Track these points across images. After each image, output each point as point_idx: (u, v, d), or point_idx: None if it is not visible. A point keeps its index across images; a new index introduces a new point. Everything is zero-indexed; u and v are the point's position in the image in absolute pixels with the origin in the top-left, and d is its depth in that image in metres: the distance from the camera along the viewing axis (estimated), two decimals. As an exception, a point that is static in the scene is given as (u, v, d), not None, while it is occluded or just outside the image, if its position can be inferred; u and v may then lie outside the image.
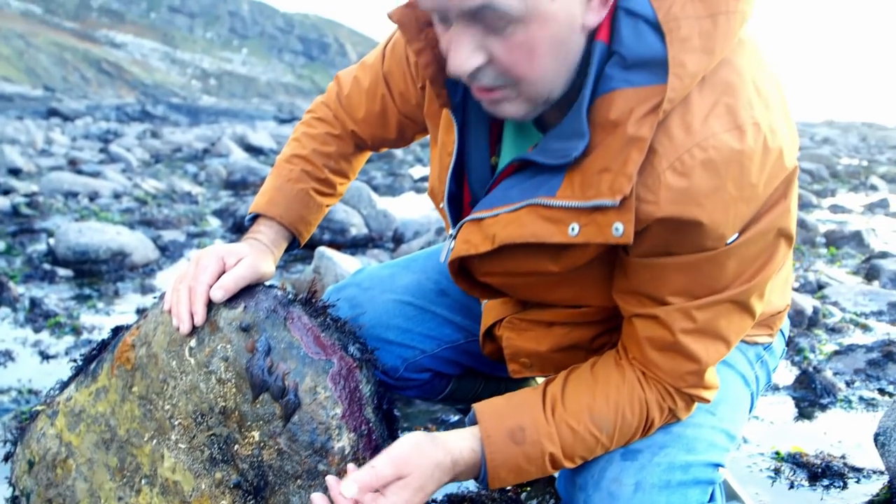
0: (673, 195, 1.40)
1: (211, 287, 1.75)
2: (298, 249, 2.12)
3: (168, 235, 6.30)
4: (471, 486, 2.48)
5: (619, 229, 1.42)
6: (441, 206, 1.80)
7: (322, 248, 4.38)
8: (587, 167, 1.45)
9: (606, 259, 1.58)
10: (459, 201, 1.80)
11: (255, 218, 2.02)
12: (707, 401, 1.68)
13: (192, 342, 1.76)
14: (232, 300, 1.76)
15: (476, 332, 2.10)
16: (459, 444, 1.64)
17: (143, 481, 1.87)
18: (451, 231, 1.76)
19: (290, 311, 1.75)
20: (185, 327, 1.74)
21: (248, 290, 1.78)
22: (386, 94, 2.01)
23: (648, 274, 1.51)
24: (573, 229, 1.47)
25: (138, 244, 5.41)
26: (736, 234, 1.44)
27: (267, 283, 1.84)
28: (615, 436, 1.65)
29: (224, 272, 1.78)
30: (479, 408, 1.70)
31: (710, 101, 1.39)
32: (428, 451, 1.60)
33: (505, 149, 1.74)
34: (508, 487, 2.46)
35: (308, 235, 2.08)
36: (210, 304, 1.76)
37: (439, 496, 2.39)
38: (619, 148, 1.40)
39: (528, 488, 2.43)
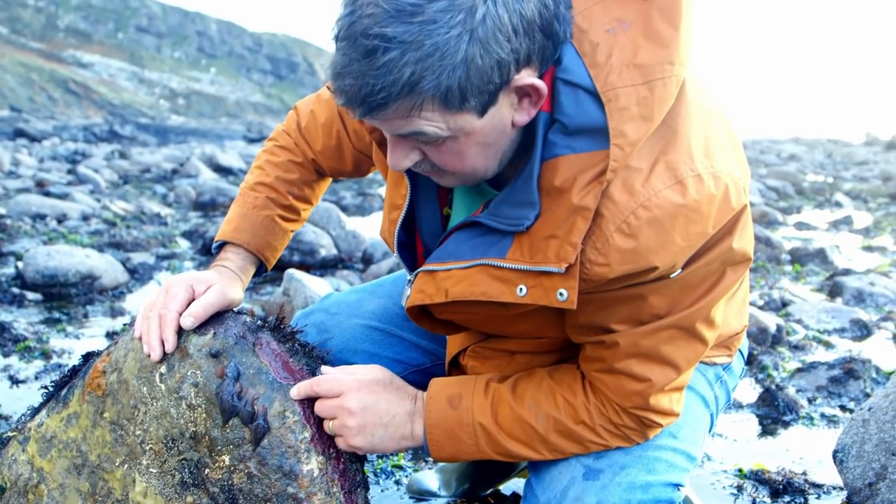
0: (623, 256, 1.47)
1: (181, 314, 1.79)
2: (266, 273, 2.16)
3: (137, 258, 6.30)
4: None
5: (564, 294, 1.50)
6: (394, 254, 1.87)
7: (291, 271, 4.41)
8: (535, 232, 1.52)
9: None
10: (412, 248, 1.87)
11: (221, 245, 2.06)
12: (661, 426, 1.74)
13: (163, 368, 1.79)
14: (202, 327, 1.80)
15: (442, 356, 2.14)
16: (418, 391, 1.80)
17: (114, 506, 1.89)
18: (408, 277, 1.82)
19: (258, 336, 1.78)
20: (156, 354, 1.78)
21: (217, 317, 1.82)
22: (341, 130, 2.09)
23: (593, 306, 1.58)
24: (521, 290, 1.54)
25: (108, 267, 5.41)
26: (679, 270, 1.52)
27: (236, 310, 1.88)
28: (550, 427, 1.71)
29: (193, 299, 1.82)
30: (434, 378, 1.82)
31: (650, 160, 1.46)
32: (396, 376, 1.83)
33: (456, 200, 1.82)
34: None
35: (274, 261, 2.13)
36: (180, 331, 1.79)
37: (408, 516, 2.42)
38: (565, 216, 1.48)
39: (495, 509, 2.47)
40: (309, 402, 1.75)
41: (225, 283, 1.88)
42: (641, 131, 1.43)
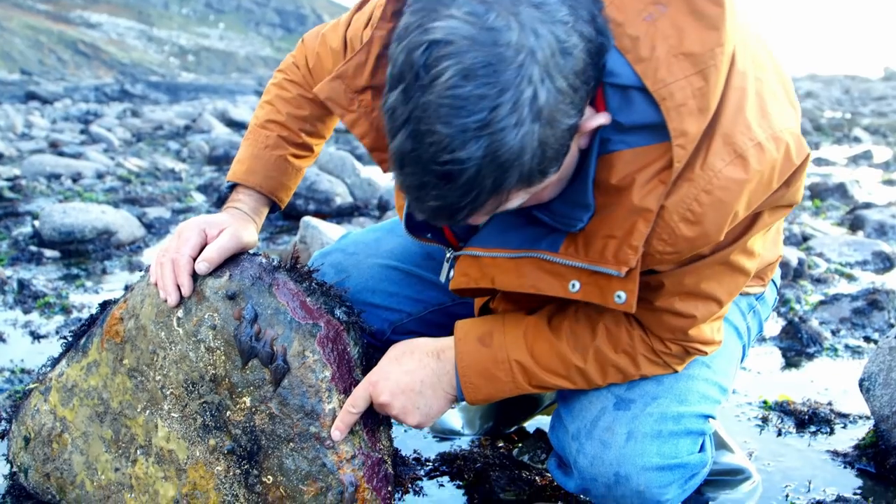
0: (690, 242, 1.43)
1: (194, 259, 1.76)
2: (283, 221, 2.13)
3: (153, 212, 6.29)
4: (463, 444, 2.52)
5: (622, 297, 1.48)
6: (426, 237, 1.81)
7: (307, 218, 4.38)
8: (591, 230, 1.48)
9: None
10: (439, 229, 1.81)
11: (233, 186, 2.02)
12: (704, 353, 1.70)
13: (180, 313, 1.77)
14: (217, 270, 1.77)
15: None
16: (442, 341, 1.77)
17: (138, 452, 1.89)
18: (447, 255, 1.80)
19: (275, 277, 1.76)
20: (173, 299, 1.76)
21: (232, 260, 1.80)
22: None
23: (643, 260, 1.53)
24: (574, 286, 1.51)
25: (123, 222, 5.40)
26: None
27: (251, 252, 1.85)
28: (589, 358, 1.68)
29: (206, 243, 1.79)
30: (458, 321, 1.78)
31: (705, 140, 1.38)
32: (409, 340, 1.78)
33: None
34: (501, 444, 2.49)
35: (288, 199, 2.09)
36: (195, 274, 1.77)
37: (432, 455, 2.42)
38: (624, 216, 1.42)
39: (520, 444, 2.46)
40: (328, 339, 1.72)
41: (238, 225, 1.85)
42: (701, 124, 1.36)
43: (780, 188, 1.46)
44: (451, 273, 1.74)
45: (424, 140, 1.19)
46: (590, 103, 1.36)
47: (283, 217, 5.93)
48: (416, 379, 1.72)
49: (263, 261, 1.80)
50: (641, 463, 1.68)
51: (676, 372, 1.74)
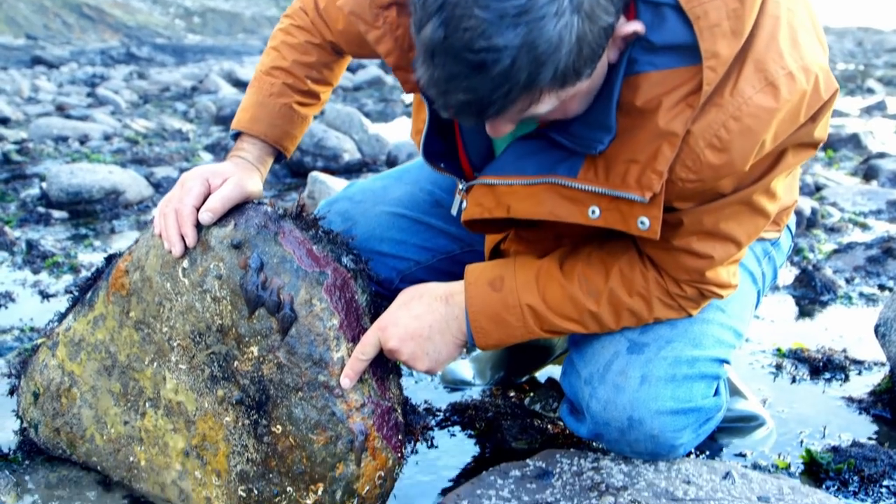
0: (715, 171, 1.40)
1: (197, 209, 1.74)
2: (291, 178, 2.11)
3: (161, 172, 6.26)
4: (475, 394, 2.51)
5: (646, 223, 1.44)
6: (440, 166, 1.78)
7: (315, 174, 4.36)
8: (612, 154, 1.44)
9: None
10: (454, 157, 1.77)
11: (237, 135, 1.99)
12: (720, 296, 1.68)
13: (185, 263, 1.75)
14: (221, 219, 1.75)
15: (473, 242, 2.09)
16: (451, 285, 1.74)
17: (147, 404, 1.88)
18: (459, 187, 1.76)
19: (280, 225, 1.74)
20: (177, 250, 1.74)
21: (237, 209, 1.77)
22: None
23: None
24: (593, 212, 1.47)
25: (131, 182, 5.38)
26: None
27: (256, 201, 1.82)
28: (603, 301, 1.65)
29: (210, 193, 1.77)
30: (468, 265, 1.75)
31: (736, 65, 1.35)
32: (418, 285, 1.76)
33: None
34: (512, 394, 2.48)
35: (293, 148, 2.05)
36: (200, 225, 1.75)
37: (443, 405, 2.41)
38: (649, 139, 1.39)
39: (532, 394, 2.45)
40: (335, 287, 1.71)
41: (242, 174, 1.82)
42: (734, 47, 1.33)
43: (806, 123, 1.42)
44: (464, 204, 1.70)
45: (459, 26, 1.16)
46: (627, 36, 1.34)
47: (292, 174, 5.90)
48: (425, 324, 1.70)
49: (269, 209, 1.77)
50: (655, 407, 1.66)
51: (691, 316, 1.72)
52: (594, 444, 2.12)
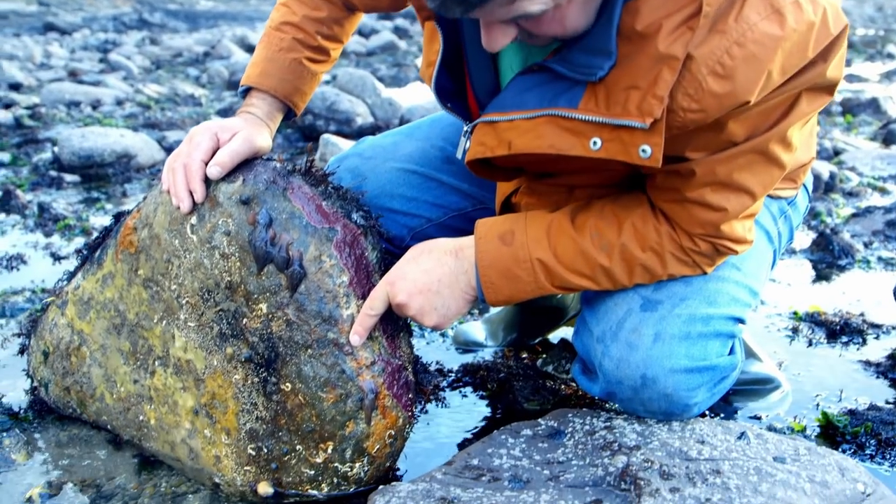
0: (718, 101, 1.37)
1: (206, 164, 1.72)
2: (303, 142, 2.09)
3: (173, 136, 6.24)
4: (486, 355, 2.50)
5: (647, 151, 1.40)
6: (447, 106, 1.76)
7: (327, 136, 4.34)
8: (612, 81, 1.41)
9: None
10: (463, 98, 1.75)
11: (247, 90, 1.97)
12: (735, 252, 1.65)
13: (193, 219, 1.74)
14: (230, 174, 1.73)
15: (485, 199, 2.07)
16: (462, 240, 1.73)
17: (156, 363, 1.88)
18: (465, 128, 1.73)
19: (289, 181, 1.72)
20: (185, 205, 1.72)
21: (245, 164, 1.75)
22: None
23: (668, 140, 1.46)
24: (595, 143, 1.44)
25: (143, 146, 5.36)
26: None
27: (264, 157, 1.80)
28: (615, 257, 1.63)
29: (218, 148, 1.74)
30: (479, 220, 1.73)
31: None
32: (427, 241, 1.75)
33: (505, 53, 1.70)
34: (525, 355, 2.47)
35: (304, 106, 2.03)
36: (208, 180, 1.73)
37: (455, 366, 2.40)
38: (649, 65, 1.36)
39: (545, 355, 2.44)
40: (345, 244, 1.69)
41: (251, 129, 1.79)
42: None
43: (816, 59, 1.39)
44: (469, 145, 1.68)
45: None
46: None
47: (304, 138, 5.88)
48: (434, 278, 1.68)
49: (278, 165, 1.75)
50: (669, 365, 1.64)
51: (706, 273, 1.69)
52: (607, 404, 2.12)
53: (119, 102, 8.47)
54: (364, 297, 1.69)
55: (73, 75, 11.23)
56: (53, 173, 5.06)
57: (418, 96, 6.92)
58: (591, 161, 1.52)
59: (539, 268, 1.64)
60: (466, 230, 1.78)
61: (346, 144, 4.25)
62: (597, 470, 1.60)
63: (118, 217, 1.99)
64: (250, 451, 1.75)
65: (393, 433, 1.72)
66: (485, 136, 1.60)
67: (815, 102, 1.47)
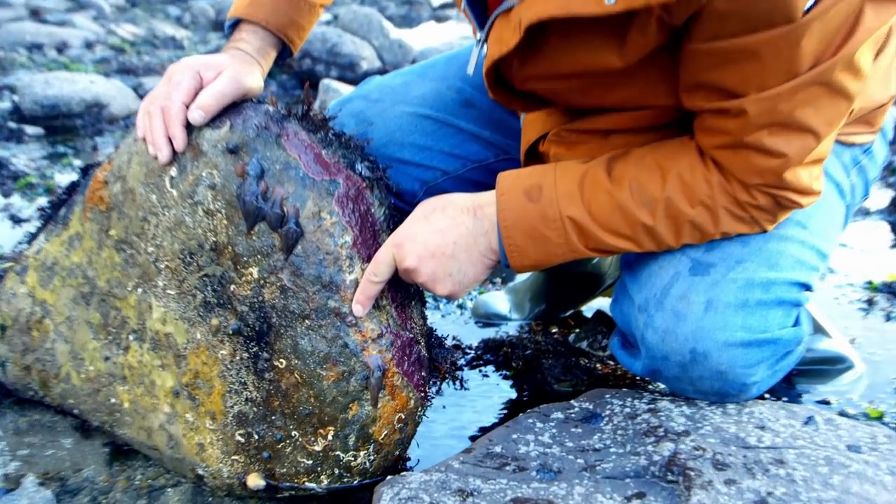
0: None
1: (187, 107, 1.70)
2: (300, 90, 2.07)
3: (150, 83, 6.22)
4: (511, 330, 2.50)
5: None
6: (462, 7, 1.73)
7: (328, 81, 4.34)
8: None
9: (670, 49, 1.51)
10: (483, 4, 1.72)
11: (236, 24, 1.95)
12: (800, 205, 1.61)
13: (173, 171, 1.73)
14: (215, 119, 1.71)
15: (509, 148, 2.06)
16: (481, 195, 1.71)
17: (130, 337, 1.88)
18: (478, 35, 1.69)
19: (284, 127, 1.70)
20: (164, 155, 1.71)
21: (233, 108, 1.73)
22: None
23: (715, 61, 1.43)
24: None
25: (116, 94, 5.36)
26: (812, 1, 1.36)
27: (255, 99, 1.79)
28: (659, 213, 1.60)
29: (202, 88, 1.73)
30: (501, 173, 1.71)
31: None
32: (441, 196, 1.72)
33: None
34: (554, 330, 2.46)
35: (301, 43, 2.01)
36: (190, 126, 1.72)
37: (474, 341, 2.40)
38: None
39: (578, 329, 2.43)
40: (348, 199, 1.68)
41: (239, 67, 1.77)
42: None
43: None
44: (485, 51, 1.64)
45: None
46: None
47: (300, 85, 5.85)
48: (449, 240, 1.66)
49: (270, 108, 1.74)
50: (723, 337, 1.62)
51: (765, 231, 1.66)
52: (650, 384, 2.11)
53: (89, 45, 8.47)
54: (369, 259, 1.68)
55: (36, 14, 11.22)
56: (13, 125, 5.06)
57: (431, 38, 6.90)
58: (621, 78, 1.51)
59: (571, 227, 1.62)
60: (488, 185, 1.76)
61: (349, 90, 4.24)
62: (639, 459, 1.60)
63: (86, 170, 1.98)
64: (239, 437, 1.75)
65: (403, 417, 1.72)
66: (501, 31, 1.56)
67: (882, 13, 1.43)
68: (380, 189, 1.76)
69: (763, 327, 1.64)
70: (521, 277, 2.68)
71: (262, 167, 1.66)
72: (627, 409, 1.78)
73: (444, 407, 2.11)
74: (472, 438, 1.99)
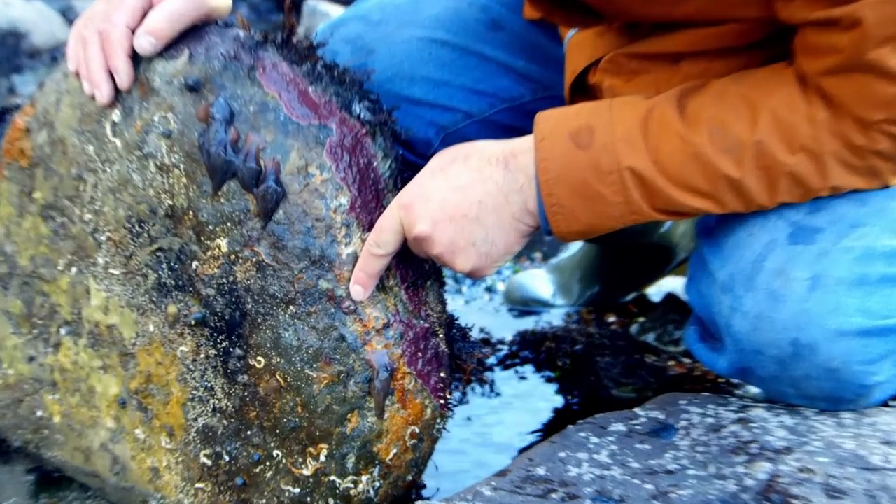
0: None
1: (133, 31, 1.70)
2: (279, 13, 2.07)
3: (83, 4, 6.24)
4: (556, 319, 2.50)
5: None
6: None
7: (314, 3, 4.34)
8: None
9: None
10: None
11: None
12: None
13: (116, 115, 1.73)
14: (170, 48, 1.70)
15: (550, 82, 2.05)
16: (514, 142, 1.70)
17: (62, 331, 1.88)
18: None
19: (259, 57, 1.69)
20: (103, 94, 1.71)
21: (193, 33, 1.72)
22: None
23: None
24: None
25: (38, 19, 5.38)
26: None
27: (220, 22, 1.77)
28: (747, 163, 1.57)
29: (151, 7, 1.72)
30: (540, 113, 1.70)
31: None
32: (462, 144, 1.73)
33: None
34: (612, 319, 2.46)
35: None
36: (137, 57, 1.71)
37: (508, 334, 2.40)
38: None
39: (642, 319, 2.43)
40: (344, 149, 1.67)
41: None
42: None
43: None
44: None
45: None
46: None
47: (278, 6, 5.85)
48: (472, 198, 1.65)
49: (241, 33, 1.72)
50: (835, 324, 1.61)
51: (887, 186, 1.65)
52: (738, 387, 2.11)
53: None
54: (372, 227, 1.68)
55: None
56: None
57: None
58: None
59: (632, 181, 1.60)
60: (523, 130, 1.75)
61: (342, 13, 4.26)
62: (726, 483, 1.59)
63: (2, 115, 1.98)
64: (204, 459, 1.76)
65: (417, 431, 1.72)
66: None
67: None
68: (384, 136, 1.75)
69: (887, 311, 1.62)
70: (567, 251, 2.67)
71: (231, 109, 1.65)
72: (710, 420, 1.78)
73: (468, 419, 2.11)
74: (507, 458, 1.99)
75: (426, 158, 1.83)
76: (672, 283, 2.59)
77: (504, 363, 2.31)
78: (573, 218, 1.63)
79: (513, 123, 2.03)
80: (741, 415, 1.77)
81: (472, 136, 1.96)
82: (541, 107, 1.92)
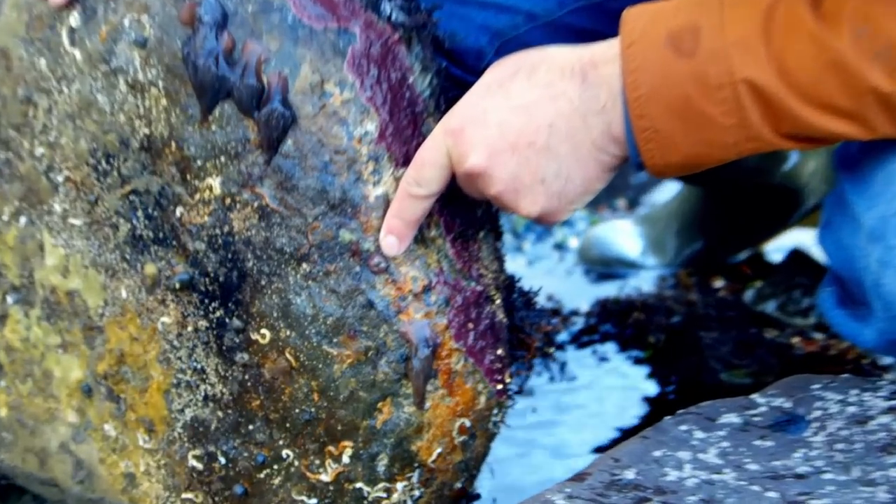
0: None
1: None
2: None
3: None
4: (645, 284, 2.50)
5: None
6: None
7: None
8: None
9: None
10: None
11: None
12: None
13: (74, 18, 1.73)
14: (143, -69, 1.71)
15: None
16: (593, 48, 1.69)
17: (8, 299, 1.90)
18: None
19: (259, -60, 1.69)
20: (58, -10, 1.71)
21: None
22: None
23: None
24: None
25: None
26: None
27: None
28: None
29: None
30: (628, 10, 1.68)
31: None
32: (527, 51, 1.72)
33: None
34: (719, 284, 2.45)
35: None
36: (101, -58, 1.72)
37: (584, 303, 2.39)
38: None
39: (758, 283, 2.42)
40: (370, 60, 1.66)
41: None
42: None
43: None
44: None
45: None
46: None
47: None
48: (541, 121, 1.63)
49: None
50: None
51: None
52: (889, 369, 2.10)
53: None
54: (407, 162, 1.67)
55: None
56: None
57: None
58: None
59: (749, 98, 1.58)
60: (602, 34, 1.73)
61: None
62: (875, 491, 1.58)
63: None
64: (193, 461, 1.77)
65: (468, 424, 1.73)
66: None
67: None
68: (422, 44, 1.75)
69: None
70: (660, 197, 2.67)
71: (223, 9, 1.65)
72: (852, 409, 1.77)
73: (534, 410, 2.11)
74: (585, 459, 1.98)
75: (477, 73, 1.82)
76: (799, 237, 2.58)
77: (579, 339, 2.32)
78: (671, 146, 1.61)
79: (590, 27, 2.01)
80: (894, 402, 1.77)
81: (535, 45, 1.95)
82: (626, 4, 1.91)
